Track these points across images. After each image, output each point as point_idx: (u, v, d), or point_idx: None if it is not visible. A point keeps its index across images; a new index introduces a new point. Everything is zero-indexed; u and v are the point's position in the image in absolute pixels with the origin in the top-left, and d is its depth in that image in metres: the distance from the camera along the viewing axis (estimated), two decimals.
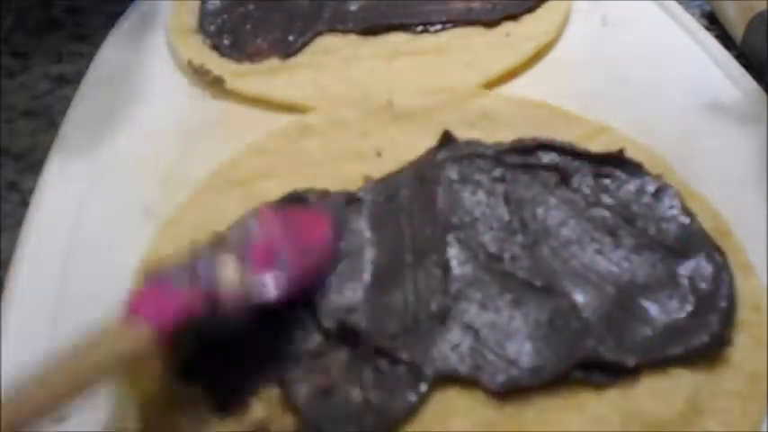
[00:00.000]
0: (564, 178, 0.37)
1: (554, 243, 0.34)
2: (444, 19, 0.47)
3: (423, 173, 0.37)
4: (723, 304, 0.32)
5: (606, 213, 0.35)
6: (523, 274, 0.33)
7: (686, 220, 0.35)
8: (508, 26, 0.48)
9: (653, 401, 0.29)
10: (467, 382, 0.30)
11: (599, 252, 0.34)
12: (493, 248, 0.34)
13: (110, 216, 0.37)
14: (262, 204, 0.36)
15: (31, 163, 0.42)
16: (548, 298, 0.32)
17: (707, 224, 0.35)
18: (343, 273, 0.33)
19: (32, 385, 0.25)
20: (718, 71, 0.45)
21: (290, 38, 0.47)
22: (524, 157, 0.38)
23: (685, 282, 0.33)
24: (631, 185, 0.37)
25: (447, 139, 0.38)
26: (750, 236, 0.36)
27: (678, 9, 0.50)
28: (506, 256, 0.34)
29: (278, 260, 0.30)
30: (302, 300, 0.31)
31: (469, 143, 0.38)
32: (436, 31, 0.47)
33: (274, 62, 0.45)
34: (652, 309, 0.32)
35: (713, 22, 0.51)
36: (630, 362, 0.30)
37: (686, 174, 0.38)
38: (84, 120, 0.42)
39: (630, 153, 0.38)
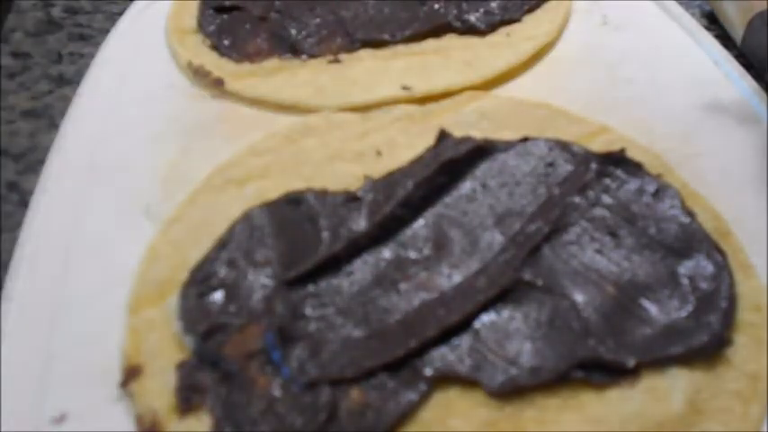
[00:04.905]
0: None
1: (554, 243, 0.34)
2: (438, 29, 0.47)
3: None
4: (723, 304, 0.32)
5: (606, 213, 0.35)
6: (523, 274, 0.33)
7: (686, 220, 0.35)
8: (508, 26, 0.48)
9: (653, 402, 0.29)
10: (467, 382, 0.30)
11: (599, 252, 0.34)
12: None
13: (110, 216, 0.37)
14: (260, 204, 0.36)
15: (31, 163, 0.42)
16: (548, 298, 0.32)
17: (707, 224, 0.35)
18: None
19: None
20: (718, 71, 0.45)
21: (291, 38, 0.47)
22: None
23: (685, 282, 0.33)
24: (631, 185, 0.37)
25: (443, 138, 0.38)
26: (750, 236, 0.36)
27: (678, 9, 0.50)
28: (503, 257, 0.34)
29: None
30: None
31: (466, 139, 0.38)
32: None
33: (274, 62, 0.45)
34: (652, 309, 0.32)
35: (713, 22, 0.51)
36: (630, 362, 0.30)
37: (686, 174, 0.38)
38: (84, 120, 0.42)
39: (630, 153, 0.38)
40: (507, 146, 0.38)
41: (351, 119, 0.41)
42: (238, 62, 0.45)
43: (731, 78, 0.44)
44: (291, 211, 0.36)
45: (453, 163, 0.37)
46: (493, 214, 0.35)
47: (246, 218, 0.35)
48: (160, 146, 0.41)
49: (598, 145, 0.39)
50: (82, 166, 0.40)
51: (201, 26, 0.48)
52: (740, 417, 0.29)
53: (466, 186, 0.37)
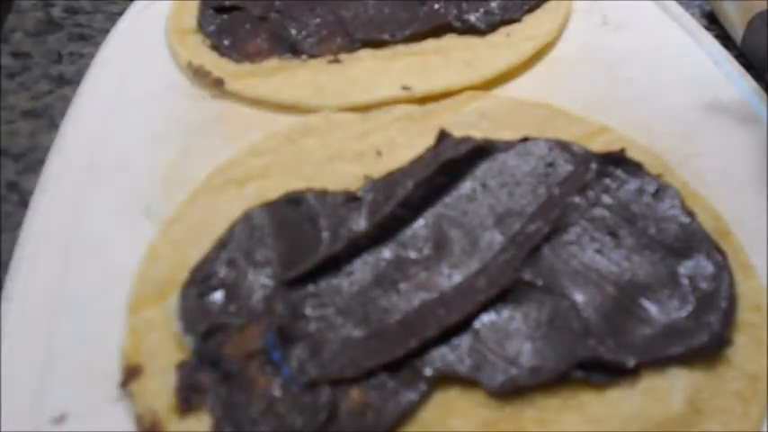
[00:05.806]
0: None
1: (554, 243, 0.34)
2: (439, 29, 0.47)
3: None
4: (723, 304, 0.32)
5: (606, 213, 0.35)
6: (523, 274, 0.33)
7: (686, 220, 0.35)
8: (508, 26, 0.48)
9: (653, 402, 0.29)
10: (467, 382, 0.30)
11: (599, 252, 0.34)
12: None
13: (110, 216, 0.37)
14: (260, 204, 0.36)
15: (31, 163, 0.42)
16: (548, 298, 0.32)
17: (707, 224, 0.35)
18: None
19: None
20: (718, 71, 0.45)
21: (291, 38, 0.47)
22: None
23: (685, 282, 0.33)
24: (631, 185, 0.37)
25: (443, 138, 0.38)
26: (750, 236, 0.36)
27: (678, 9, 0.50)
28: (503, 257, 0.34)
29: None
30: None
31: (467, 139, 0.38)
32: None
33: (274, 62, 0.45)
34: (652, 309, 0.32)
35: (713, 22, 0.51)
36: (630, 362, 0.30)
37: (686, 174, 0.38)
38: (84, 120, 0.42)
39: (630, 153, 0.38)
40: (507, 146, 0.38)
41: (351, 119, 0.41)
42: (238, 62, 0.45)
43: (731, 78, 0.44)
44: (291, 211, 0.36)
45: (453, 163, 0.37)
46: (493, 214, 0.35)
47: (246, 218, 0.35)
48: (160, 146, 0.41)
49: (598, 145, 0.39)
50: (82, 166, 0.40)
51: (201, 26, 0.48)
52: (740, 417, 0.29)
53: (466, 186, 0.37)
